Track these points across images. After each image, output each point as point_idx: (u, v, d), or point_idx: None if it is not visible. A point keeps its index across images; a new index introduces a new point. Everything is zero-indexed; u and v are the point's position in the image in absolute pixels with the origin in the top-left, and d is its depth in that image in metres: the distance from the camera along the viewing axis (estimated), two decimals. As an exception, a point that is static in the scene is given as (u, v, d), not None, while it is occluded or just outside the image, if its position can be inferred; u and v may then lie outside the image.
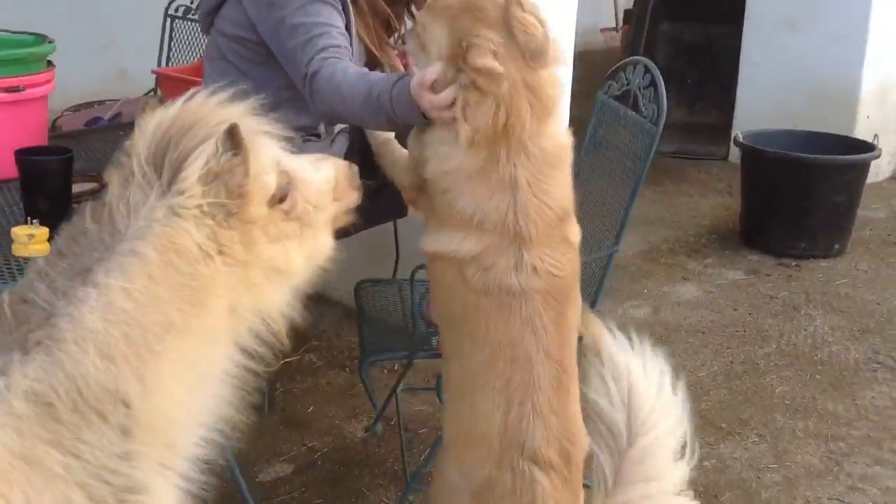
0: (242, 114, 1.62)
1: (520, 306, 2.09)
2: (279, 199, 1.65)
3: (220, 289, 1.57)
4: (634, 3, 7.44)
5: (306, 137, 2.72)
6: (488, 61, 2.03)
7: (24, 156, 2.51)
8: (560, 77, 2.22)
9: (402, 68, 2.84)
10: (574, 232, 2.20)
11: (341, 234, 1.89)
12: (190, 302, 1.53)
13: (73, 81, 3.96)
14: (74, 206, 2.34)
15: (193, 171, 1.51)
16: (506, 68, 2.06)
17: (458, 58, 2.08)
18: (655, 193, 5.64)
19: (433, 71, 2.12)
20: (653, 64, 2.91)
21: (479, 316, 2.11)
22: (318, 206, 1.76)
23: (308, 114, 2.63)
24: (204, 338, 1.57)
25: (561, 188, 2.17)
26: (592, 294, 2.83)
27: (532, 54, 2.08)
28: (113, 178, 1.56)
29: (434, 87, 2.12)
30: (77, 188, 2.56)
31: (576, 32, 3.78)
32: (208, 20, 2.75)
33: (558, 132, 2.20)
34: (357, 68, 2.46)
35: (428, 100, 2.11)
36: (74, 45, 3.97)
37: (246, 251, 1.59)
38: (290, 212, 1.68)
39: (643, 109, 2.86)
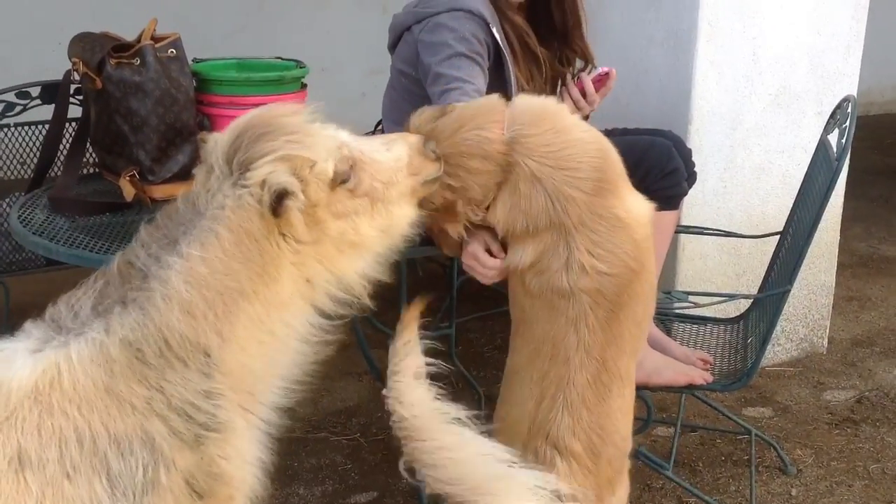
0: (302, 122, 1.83)
1: (568, 307, 2.13)
2: (341, 180, 1.82)
3: (288, 263, 1.80)
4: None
5: None
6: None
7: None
8: None
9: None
10: (620, 205, 2.16)
11: None
12: (259, 273, 1.78)
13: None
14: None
15: (256, 174, 1.76)
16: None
17: None
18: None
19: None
20: (855, 99, 2.78)
21: (532, 316, 2.19)
22: (390, 182, 1.91)
23: None
24: (275, 303, 1.80)
25: (574, 145, 2.16)
26: (763, 332, 2.76)
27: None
28: (199, 170, 1.85)
29: None
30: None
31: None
32: (392, 55, 3.02)
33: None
34: None
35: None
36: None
37: (310, 232, 1.80)
38: (356, 190, 1.85)
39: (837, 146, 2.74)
